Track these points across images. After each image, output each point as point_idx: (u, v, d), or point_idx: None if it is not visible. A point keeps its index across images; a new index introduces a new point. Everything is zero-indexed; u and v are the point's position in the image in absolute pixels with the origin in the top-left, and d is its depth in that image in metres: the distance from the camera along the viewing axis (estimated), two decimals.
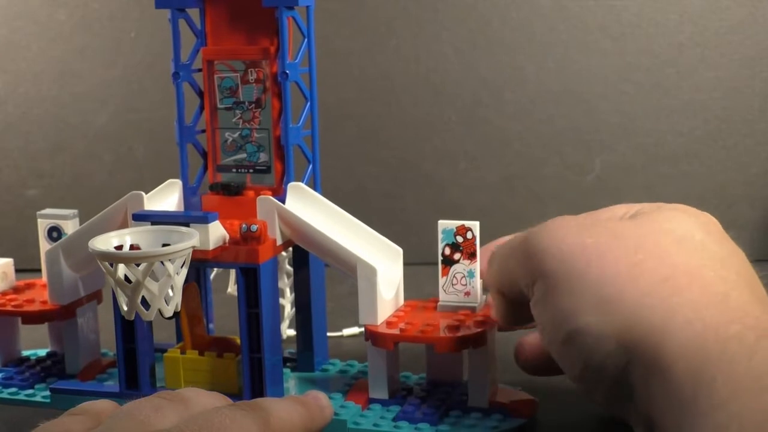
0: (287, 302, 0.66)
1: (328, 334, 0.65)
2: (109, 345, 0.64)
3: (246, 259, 0.55)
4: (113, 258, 0.53)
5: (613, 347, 0.43)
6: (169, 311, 0.54)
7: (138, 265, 0.52)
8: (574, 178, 0.92)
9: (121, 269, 0.53)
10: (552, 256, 0.46)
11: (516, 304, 0.51)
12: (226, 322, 0.66)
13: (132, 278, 0.53)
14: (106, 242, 0.54)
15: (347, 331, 0.71)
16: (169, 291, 0.54)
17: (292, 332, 0.67)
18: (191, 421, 0.41)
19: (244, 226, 0.55)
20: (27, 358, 0.66)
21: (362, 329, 0.56)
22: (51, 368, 0.64)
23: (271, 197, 0.57)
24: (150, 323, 0.58)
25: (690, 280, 0.43)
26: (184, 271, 0.54)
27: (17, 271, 0.67)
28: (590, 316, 0.44)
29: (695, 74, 0.90)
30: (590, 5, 0.90)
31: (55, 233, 0.65)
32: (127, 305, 0.53)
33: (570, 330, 0.44)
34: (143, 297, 0.53)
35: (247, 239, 0.55)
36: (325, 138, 0.65)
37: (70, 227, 0.65)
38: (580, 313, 0.44)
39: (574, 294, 0.45)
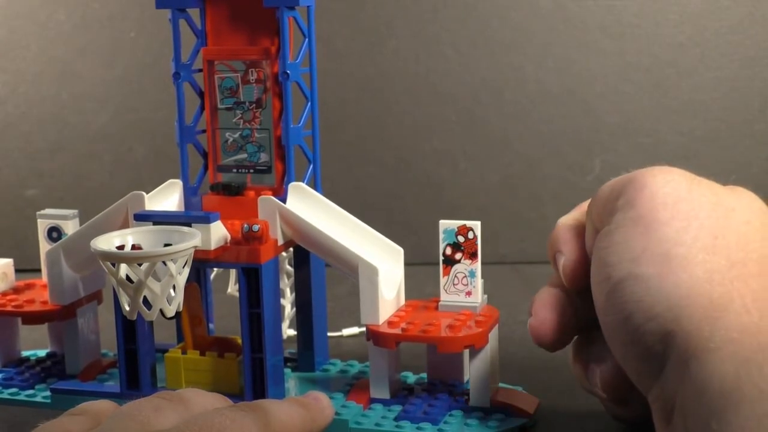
0: (287, 302, 0.66)
1: (329, 334, 0.65)
2: (109, 345, 0.64)
3: (247, 259, 0.55)
4: (116, 258, 0.53)
5: (661, 310, 0.41)
6: (171, 311, 0.54)
7: (140, 264, 0.52)
8: (574, 178, 0.92)
9: (124, 269, 0.53)
10: (649, 190, 0.44)
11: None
12: (226, 322, 0.66)
13: (134, 278, 0.53)
14: (108, 242, 0.54)
15: (347, 331, 0.71)
16: (171, 291, 0.54)
17: (292, 332, 0.67)
18: (191, 422, 0.41)
19: (245, 226, 0.55)
20: (27, 359, 0.66)
21: (362, 329, 0.56)
22: (51, 368, 0.64)
23: (272, 197, 0.57)
24: (151, 323, 0.58)
25: (760, 270, 0.42)
26: (186, 271, 0.54)
27: (17, 271, 0.67)
28: (652, 268, 0.42)
29: (695, 74, 0.90)
30: (590, 5, 0.90)
31: (55, 233, 0.65)
32: (129, 305, 0.53)
33: (627, 273, 0.43)
34: (145, 297, 0.53)
35: (248, 239, 0.55)
36: (326, 138, 0.64)
37: (70, 227, 0.65)
38: (643, 259, 0.42)
39: (648, 236, 0.43)
